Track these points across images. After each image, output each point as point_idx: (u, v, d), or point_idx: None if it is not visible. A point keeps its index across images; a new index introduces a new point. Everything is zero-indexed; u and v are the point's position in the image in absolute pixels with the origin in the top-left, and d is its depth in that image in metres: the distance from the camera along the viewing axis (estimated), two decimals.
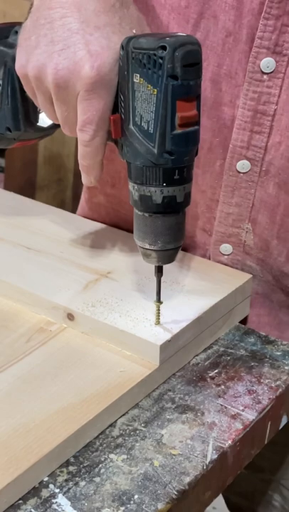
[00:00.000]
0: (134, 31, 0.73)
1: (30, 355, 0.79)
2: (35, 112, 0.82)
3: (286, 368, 0.82)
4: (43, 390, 0.75)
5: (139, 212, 0.75)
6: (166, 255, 0.76)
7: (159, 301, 0.79)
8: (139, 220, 0.75)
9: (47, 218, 1.01)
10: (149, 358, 0.78)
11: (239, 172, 0.86)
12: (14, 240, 0.95)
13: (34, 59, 0.73)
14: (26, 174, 2.30)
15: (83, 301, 0.84)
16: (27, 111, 0.82)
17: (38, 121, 0.84)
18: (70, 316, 0.83)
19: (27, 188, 2.28)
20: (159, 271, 0.78)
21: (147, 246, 0.75)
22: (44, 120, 0.81)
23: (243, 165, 0.86)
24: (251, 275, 0.90)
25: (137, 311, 0.82)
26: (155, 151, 0.71)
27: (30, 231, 0.97)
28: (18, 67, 0.76)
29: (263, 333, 0.87)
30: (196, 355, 0.84)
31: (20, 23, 0.78)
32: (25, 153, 2.27)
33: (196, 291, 0.86)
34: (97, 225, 1.00)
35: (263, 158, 0.85)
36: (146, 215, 0.74)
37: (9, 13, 2.10)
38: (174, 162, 0.71)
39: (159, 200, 0.73)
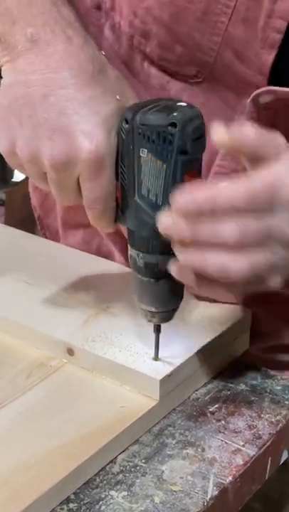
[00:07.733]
0: (117, 97, 0.72)
1: (31, 391, 0.79)
2: (11, 171, 0.81)
3: (286, 402, 0.82)
4: (43, 426, 0.75)
5: (142, 278, 0.75)
6: (165, 316, 0.78)
7: (156, 358, 0.80)
8: (140, 284, 0.76)
9: (47, 253, 1.01)
10: (149, 392, 0.78)
11: None
12: (14, 275, 0.95)
13: (22, 143, 0.71)
14: (27, 207, 2.30)
15: (83, 336, 0.84)
16: (2, 170, 0.82)
17: (12, 178, 0.83)
18: (70, 351, 0.83)
19: (28, 221, 2.27)
20: (158, 330, 0.79)
21: (146, 307, 0.77)
22: (18, 176, 0.80)
23: None
24: (251, 310, 0.90)
25: (137, 346, 0.82)
26: None
27: (30, 266, 0.98)
28: (4, 150, 0.73)
29: (263, 368, 0.87)
30: (196, 390, 0.83)
31: None
32: (27, 185, 2.28)
33: (196, 326, 0.86)
34: (97, 260, 1.00)
35: None
36: (149, 280, 0.75)
37: None
38: None
39: (165, 267, 0.73)
